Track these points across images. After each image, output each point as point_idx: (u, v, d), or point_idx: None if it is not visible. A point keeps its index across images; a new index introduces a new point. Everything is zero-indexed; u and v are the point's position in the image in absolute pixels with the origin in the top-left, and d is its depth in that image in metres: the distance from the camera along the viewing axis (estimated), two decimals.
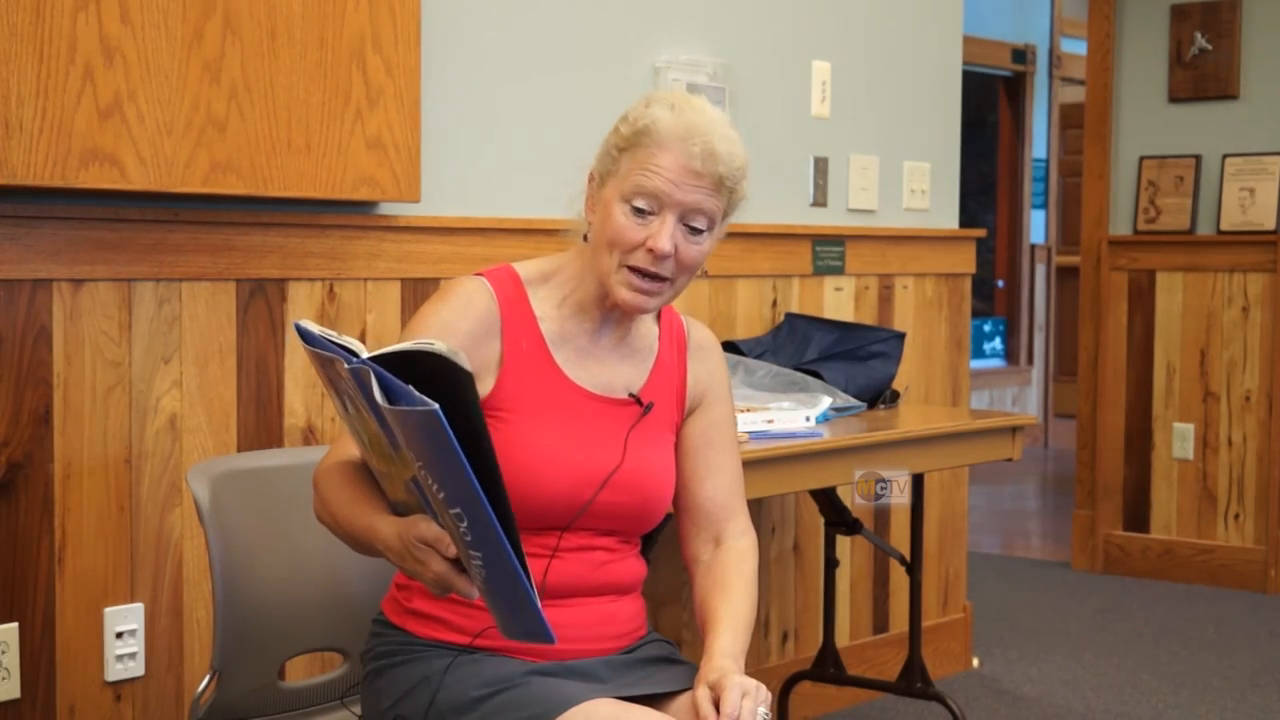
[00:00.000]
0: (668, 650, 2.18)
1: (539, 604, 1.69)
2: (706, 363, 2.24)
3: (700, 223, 2.06)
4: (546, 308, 2.12)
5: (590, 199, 2.13)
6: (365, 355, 1.66)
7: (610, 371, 2.14)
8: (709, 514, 2.19)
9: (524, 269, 2.15)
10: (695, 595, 2.18)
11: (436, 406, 1.57)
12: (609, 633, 2.11)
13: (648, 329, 2.21)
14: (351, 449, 1.99)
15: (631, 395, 2.14)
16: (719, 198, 2.07)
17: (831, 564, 3.78)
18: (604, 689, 2.01)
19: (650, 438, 2.15)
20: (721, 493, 2.20)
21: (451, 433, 1.57)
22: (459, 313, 2.07)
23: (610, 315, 2.14)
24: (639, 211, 2.04)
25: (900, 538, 4.08)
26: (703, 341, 2.26)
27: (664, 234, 2.03)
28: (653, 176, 2.03)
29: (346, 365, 1.66)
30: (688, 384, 2.21)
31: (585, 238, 2.13)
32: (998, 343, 9.92)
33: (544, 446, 2.05)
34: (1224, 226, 5.57)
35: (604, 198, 2.08)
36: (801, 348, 3.72)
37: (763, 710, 1.91)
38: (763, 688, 1.94)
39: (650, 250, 2.03)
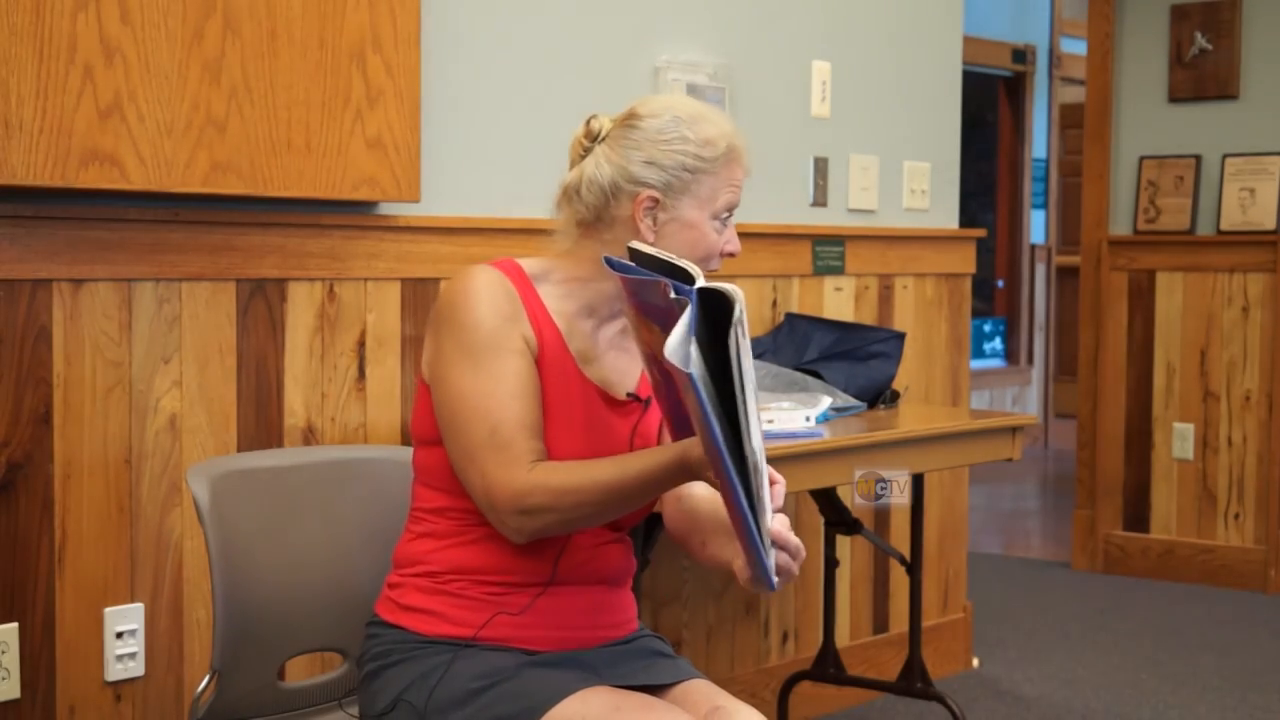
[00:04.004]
0: (660, 645, 2.20)
1: (763, 554, 1.76)
2: None
3: None
4: (552, 302, 2.12)
5: (647, 221, 2.10)
6: (699, 284, 1.71)
7: (607, 369, 2.15)
8: None
9: (526, 264, 2.14)
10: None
11: (693, 372, 1.64)
12: (605, 621, 2.13)
13: None
14: (526, 455, 1.99)
15: (630, 395, 2.15)
16: None
17: (831, 564, 3.78)
18: (600, 680, 2.02)
19: (648, 436, 2.17)
20: None
21: (704, 397, 1.65)
22: (500, 299, 2.05)
23: (618, 316, 2.15)
24: (723, 222, 2.15)
25: (900, 538, 4.08)
26: None
27: (735, 235, 2.17)
28: (737, 191, 2.15)
29: (672, 293, 1.70)
30: None
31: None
32: (998, 343, 9.91)
33: (563, 445, 2.05)
34: (1224, 226, 5.57)
35: (684, 218, 2.11)
36: (801, 348, 3.72)
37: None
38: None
39: (731, 254, 2.16)
